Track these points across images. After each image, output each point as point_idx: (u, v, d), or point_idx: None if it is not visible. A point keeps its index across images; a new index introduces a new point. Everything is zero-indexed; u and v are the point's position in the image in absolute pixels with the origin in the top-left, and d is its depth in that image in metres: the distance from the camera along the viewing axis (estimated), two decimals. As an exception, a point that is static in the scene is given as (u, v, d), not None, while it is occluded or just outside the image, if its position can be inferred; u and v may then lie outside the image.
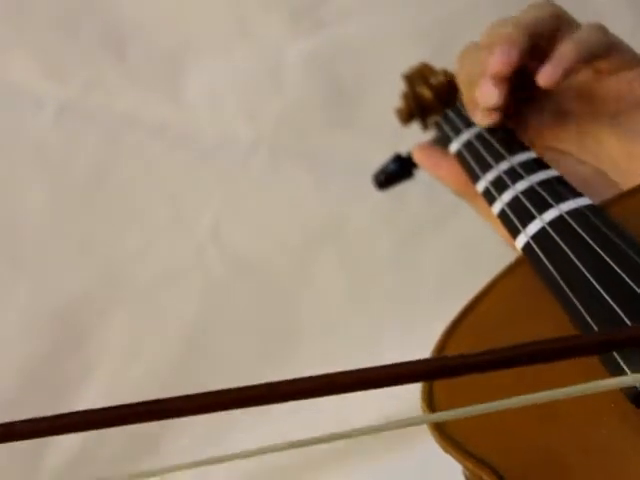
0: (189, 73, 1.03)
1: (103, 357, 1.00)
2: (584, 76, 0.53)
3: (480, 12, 0.94)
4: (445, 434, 0.36)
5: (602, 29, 0.51)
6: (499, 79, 0.49)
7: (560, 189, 0.46)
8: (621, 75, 0.51)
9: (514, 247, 0.47)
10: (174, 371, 1.00)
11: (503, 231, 0.50)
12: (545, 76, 0.48)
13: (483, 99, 0.51)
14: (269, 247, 1.02)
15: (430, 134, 0.65)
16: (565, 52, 0.49)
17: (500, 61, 0.49)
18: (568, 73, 0.48)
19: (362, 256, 1.02)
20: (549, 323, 0.40)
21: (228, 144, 1.02)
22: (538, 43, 0.50)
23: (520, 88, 0.53)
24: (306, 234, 1.02)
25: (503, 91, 0.50)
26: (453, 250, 1.00)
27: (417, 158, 0.60)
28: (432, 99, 0.63)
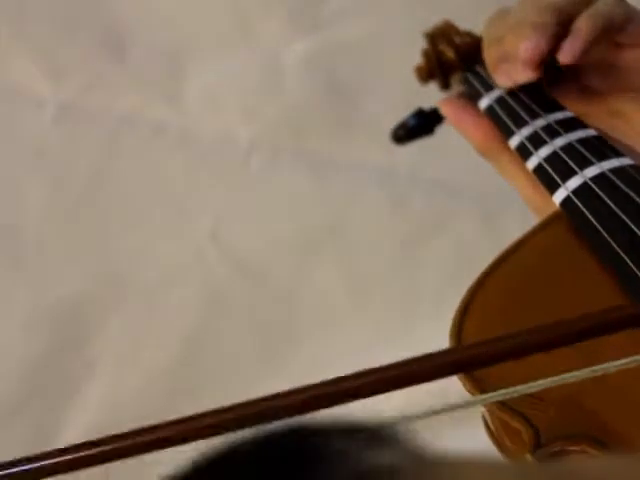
0: (189, 73, 1.03)
1: (104, 357, 1.00)
2: (605, 51, 0.52)
3: (480, 12, 0.94)
4: (478, 384, 0.35)
5: (620, 0, 0.50)
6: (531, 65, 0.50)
7: (601, 147, 0.46)
8: None
9: (538, 210, 0.47)
10: (175, 371, 1.00)
11: (528, 192, 0.50)
12: (565, 52, 0.48)
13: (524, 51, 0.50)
14: (269, 247, 1.02)
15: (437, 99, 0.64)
16: (582, 26, 0.48)
17: (529, 49, 0.49)
18: (587, 46, 0.48)
19: (362, 256, 1.01)
20: (586, 278, 0.40)
21: (228, 144, 1.02)
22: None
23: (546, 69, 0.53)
24: (306, 234, 1.02)
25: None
26: (453, 251, 1.00)
27: (444, 109, 0.59)
28: (455, 58, 0.61)
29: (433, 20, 1.01)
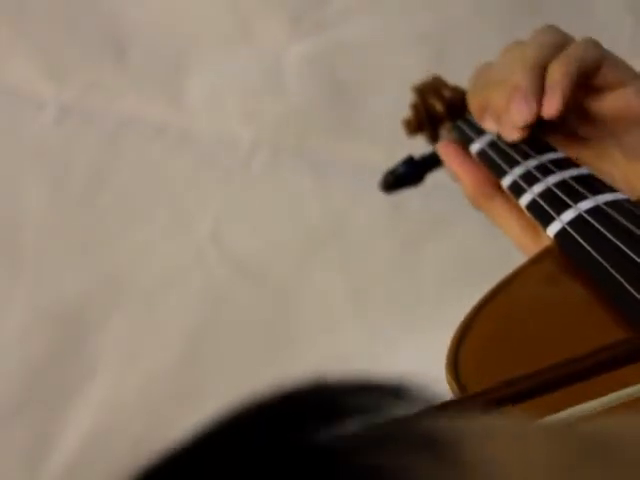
0: (189, 74, 1.03)
1: (104, 358, 1.00)
2: (580, 97, 0.52)
3: (480, 14, 0.94)
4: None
5: (592, 43, 0.50)
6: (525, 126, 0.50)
7: (595, 184, 0.47)
8: (617, 92, 0.51)
9: (531, 252, 0.47)
10: (175, 372, 1.00)
11: (518, 235, 0.51)
12: (548, 109, 0.49)
13: (513, 117, 0.51)
14: (269, 249, 1.02)
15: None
16: (557, 78, 0.49)
17: (520, 118, 0.50)
18: (568, 96, 0.49)
19: (362, 258, 1.02)
20: (582, 306, 0.40)
21: (228, 146, 1.03)
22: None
23: None
24: (306, 236, 1.02)
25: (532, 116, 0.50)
26: (453, 254, 1.00)
27: (442, 151, 0.59)
28: (443, 111, 0.63)
29: (433, 21, 1.01)
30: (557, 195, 0.46)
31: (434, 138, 0.65)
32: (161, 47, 1.03)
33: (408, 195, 0.99)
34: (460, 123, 0.60)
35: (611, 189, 0.46)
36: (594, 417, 0.28)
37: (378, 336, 0.99)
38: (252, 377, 0.97)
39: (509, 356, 0.38)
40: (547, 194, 0.47)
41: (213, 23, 1.04)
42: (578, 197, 0.45)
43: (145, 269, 1.02)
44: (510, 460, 0.17)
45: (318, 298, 1.01)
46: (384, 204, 1.00)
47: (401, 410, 0.19)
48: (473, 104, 0.55)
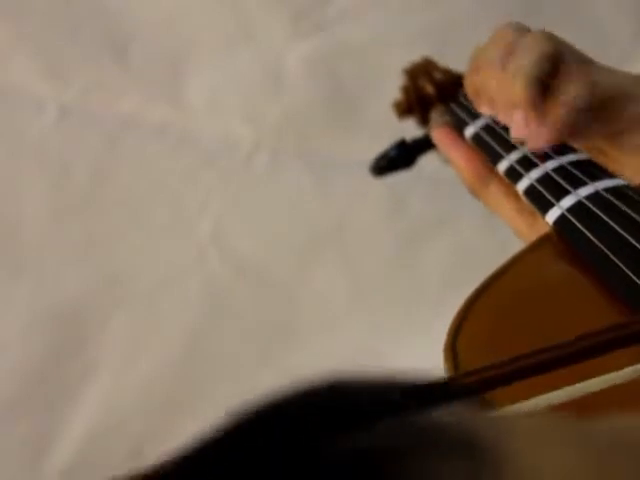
0: (190, 75, 1.03)
1: (104, 358, 1.00)
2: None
3: (481, 13, 0.94)
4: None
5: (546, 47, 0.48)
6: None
7: (594, 170, 0.46)
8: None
9: (527, 237, 0.47)
10: (175, 371, 1.00)
11: (514, 220, 0.50)
12: (532, 146, 0.48)
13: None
14: (270, 248, 1.02)
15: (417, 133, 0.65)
16: (558, 118, 0.47)
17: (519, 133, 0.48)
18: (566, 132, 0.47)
19: (363, 257, 1.02)
20: (582, 294, 0.40)
21: (229, 146, 1.03)
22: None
23: None
24: (307, 235, 1.02)
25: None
26: (454, 250, 1.00)
27: (437, 136, 0.58)
28: (434, 93, 0.62)
29: (434, 22, 1.01)
30: (556, 181, 0.46)
31: (424, 121, 0.64)
32: (161, 47, 1.03)
33: (409, 194, 0.99)
34: (454, 106, 0.59)
35: (610, 175, 0.45)
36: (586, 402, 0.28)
37: (379, 335, 0.99)
38: (252, 377, 0.97)
39: (507, 344, 0.38)
40: (545, 180, 0.46)
41: (213, 23, 1.04)
42: (577, 183, 0.44)
43: (145, 269, 1.02)
44: (544, 464, 0.17)
45: (318, 298, 1.01)
46: (384, 203, 1.00)
47: (428, 410, 0.18)
48: (468, 87, 0.54)
